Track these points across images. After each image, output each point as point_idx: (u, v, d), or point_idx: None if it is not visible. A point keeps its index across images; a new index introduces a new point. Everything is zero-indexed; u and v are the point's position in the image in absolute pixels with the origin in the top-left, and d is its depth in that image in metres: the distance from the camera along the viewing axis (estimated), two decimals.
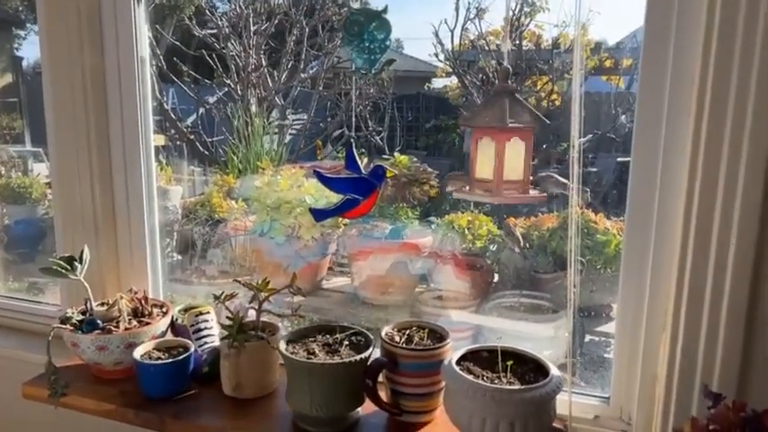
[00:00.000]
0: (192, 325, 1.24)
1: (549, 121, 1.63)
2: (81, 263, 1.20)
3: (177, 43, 3.51)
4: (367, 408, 1.07)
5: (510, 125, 1.46)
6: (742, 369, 0.92)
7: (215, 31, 3.31)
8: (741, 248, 0.89)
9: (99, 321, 1.19)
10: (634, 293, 1.06)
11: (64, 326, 1.18)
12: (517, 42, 3.39)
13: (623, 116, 3.03)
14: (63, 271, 1.18)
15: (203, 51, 3.37)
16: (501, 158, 1.51)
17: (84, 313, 1.23)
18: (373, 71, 1.07)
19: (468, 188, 1.65)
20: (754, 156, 0.86)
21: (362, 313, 1.90)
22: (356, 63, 1.08)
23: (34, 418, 1.49)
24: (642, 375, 1.06)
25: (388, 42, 1.06)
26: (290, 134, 3.37)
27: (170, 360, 1.14)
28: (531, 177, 1.58)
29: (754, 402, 0.76)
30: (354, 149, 1.10)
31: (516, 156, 1.53)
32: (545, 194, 1.66)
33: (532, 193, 1.60)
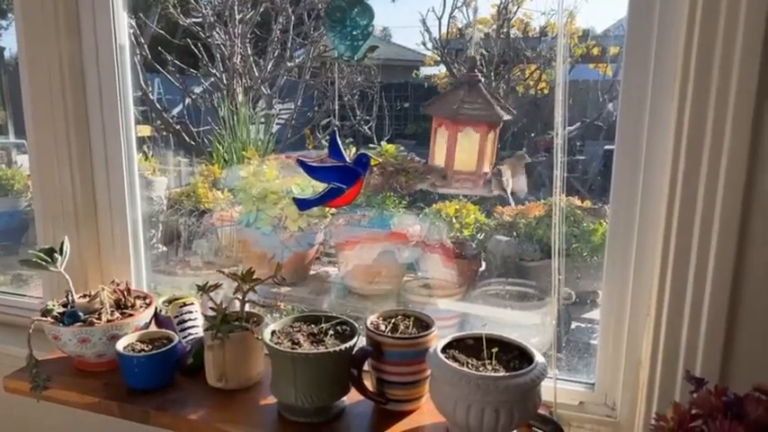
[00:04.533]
0: (176, 316, 1.23)
1: (511, 116, 1.60)
2: (61, 254, 1.18)
3: (162, 32, 3.46)
4: (352, 397, 1.07)
5: (460, 116, 1.44)
6: (724, 354, 0.93)
7: (200, 19, 3.26)
8: (724, 235, 0.89)
9: (81, 313, 1.18)
10: (618, 280, 1.07)
11: (44, 318, 1.16)
12: (505, 30, 3.37)
13: (610, 104, 3.03)
14: (43, 263, 1.16)
15: (188, 41, 3.32)
16: (452, 148, 1.50)
17: (65, 305, 1.21)
18: (356, 58, 1.06)
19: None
20: (736, 140, 0.87)
21: (350, 303, 1.89)
22: (339, 50, 1.07)
23: (16, 412, 1.47)
24: (626, 361, 1.07)
25: (370, 28, 1.05)
26: (277, 124, 3.34)
27: (153, 352, 1.13)
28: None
29: (735, 387, 0.76)
30: (338, 137, 1.09)
31: (470, 147, 1.52)
32: (494, 191, 1.63)
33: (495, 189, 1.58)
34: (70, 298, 1.21)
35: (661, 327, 0.97)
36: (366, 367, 1.07)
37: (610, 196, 1.07)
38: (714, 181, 0.89)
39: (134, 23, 2.89)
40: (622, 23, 1.05)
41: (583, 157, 3.18)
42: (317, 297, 1.96)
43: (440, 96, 1.67)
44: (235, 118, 2.63)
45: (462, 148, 1.45)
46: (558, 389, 1.09)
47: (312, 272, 2.09)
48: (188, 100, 3.58)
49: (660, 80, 0.96)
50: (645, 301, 1.03)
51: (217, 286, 1.19)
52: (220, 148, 2.56)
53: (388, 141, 2.18)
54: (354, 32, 1.04)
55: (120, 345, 1.14)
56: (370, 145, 2.32)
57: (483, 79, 1.44)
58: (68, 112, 1.36)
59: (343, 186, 1.08)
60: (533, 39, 3.45)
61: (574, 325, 1.80)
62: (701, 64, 0.87)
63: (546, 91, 3.45)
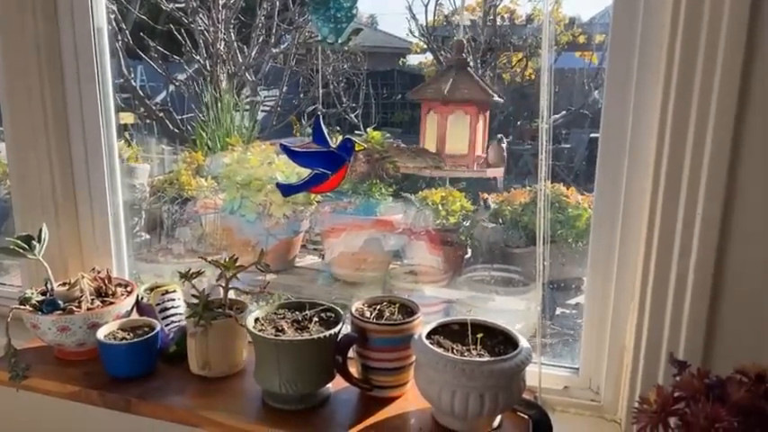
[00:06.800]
0: (158, 304, 1.21)
1: (502, 99, 1.62)
2: (39, 242, 1.16)
3: (144, 17, 3.40)
4: (337, 383, 1.06)
5: (451, 99, 1.46)
6: (707, 338, 0.94)
7: (183, 4, 3.20)
8: (707, 220, 0.90)
9: (60, 302, 1.16)
10: (603, 265, 1.07)
11: (23, 307, 1.14)
12: (491, 18, 3.36)
13: (596, 92, 3.03)
14: (20, 250, 1.14)
15: (171, 26, 3.26)
16: (443, 131, 1.51)
17: (44, 294, 1.19)
18: (340, 41, 1.04)
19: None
20: (720, 126, 0.86)
21: (336, 290, 1.88)
22: (322, 32, 1.05)
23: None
24: (610, 346, 1.08)
25: (354, 10, 1.03)
26: (262, 111, 3.31)
27: (135, 340, 1.11)
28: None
29: (718, 369, 0.77)
30: (322, 122, 1.07)
31: (461, 130, 1.53)
32: (498, 171, 1.64)
33: (489, 170, 1.60)
34: (49, 286, 1.19)
35: (645, 311, 0.97)
36: (351, 354, 1.06)
37: (594, 183, 1.07)
38: (698, 167, 0.89)
39: (115, 8, 2.83)
40: (608, 11, 1.04)
41: (568, 145, 3.19)
42: (302, 284, 1.95)
43: (427, 82, 1.67)
44: (219, 105, 2.59)
45: (454, 132, 1.46)
46: (542, 374, 1.09)
47: (298, 260, 2.08)
48: (171, 87, 3.53)
49: (645, 67, 0.96)
50: (629, 286, 1.03)
51: (199, 273, 1.17)
52: (204, 135, 2.52)
53: (375, 129, 2.17)
54: (338, 14, 1.02)
55: (101, 333, 1.12)
56: (357, 132, 2.30)
57: (471, 63, 1.45)
58: (46, 98, 1.32)
59: (328, 172, 1.07)
60: (520, 26, 3.44)
61: (559, 311, 1.81)
62: (686, 51, 0.87)
63: (533, 77, 3.44)
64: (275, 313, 1.11)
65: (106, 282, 1.23)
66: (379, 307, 1.11)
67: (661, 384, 0.79)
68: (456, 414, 0.92)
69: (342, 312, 1.10)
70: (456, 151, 1.49)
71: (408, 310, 1.10)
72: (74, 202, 1.40)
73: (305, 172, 1.09)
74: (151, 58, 3.29)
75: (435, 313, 1.62)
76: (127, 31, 3.18)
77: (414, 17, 3.52)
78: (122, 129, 2.71)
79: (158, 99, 3.59)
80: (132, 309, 1.24)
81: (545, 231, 1.08)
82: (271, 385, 1.02)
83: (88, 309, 1.16)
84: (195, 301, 1.10)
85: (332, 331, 1.02)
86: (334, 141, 1.06)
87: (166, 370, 1.15)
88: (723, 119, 0.86)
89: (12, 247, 1.14)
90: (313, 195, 1.89)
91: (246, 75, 3.22)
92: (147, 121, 3.36)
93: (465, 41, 1.53)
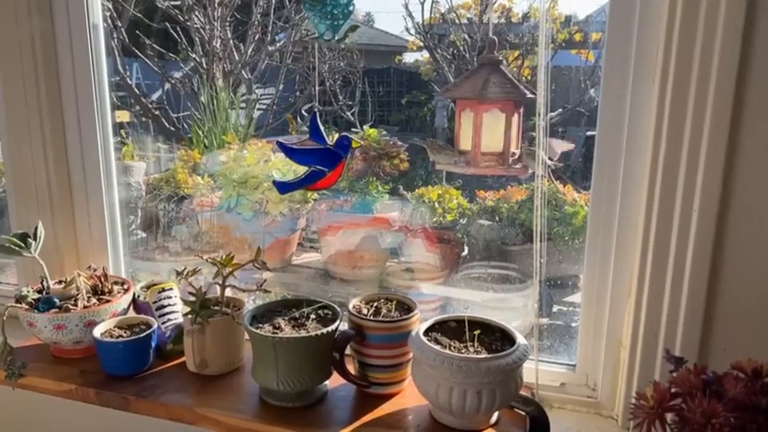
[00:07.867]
0: (155, 302, 1.21)
1: (533, 94, 1.61)
2: (35, 240, 1.16)
3: (140, 15, 3.39)
4: (335, 381, 1.06)
5: (488, 96, 1.46)
6: (703, 334, 0.94)
7: (178, 2, 3.19)
8: (703, 216, 0.90)
9: (56, 300, 1.15)
10: (600, 262, 1.07)
11: (19, 305, 1.14)
12: (487, 16, 3.36)
13: (592, 90, 3.03)
14: (16, 248, 1.14)
15: (167, 24, 3.25)
16: (478, 129, 1.51)
17: (40, 292, 1.19)
18: (336, 38, 1.04)
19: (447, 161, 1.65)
20: (716, 124, 0.87)
21: (333, 288, 1.89)
22: (318, 29, 1.05)
23: None
24: (607, 342, 1.08)
25: (351, 7, 1.03)
26: (258, 109, 3.30)
27: (132, 338, 1.11)
28: (518, 151, 1.58)
29: (714, 365, 0.77)
30: (318, 119, 1.07)
31: (495, 127, 1.53)
32: (525, 168, 1.64)
33: (516, 166, 1.60)
34: (45, 284, 1.19)
35: (641, 308, 0.98)
36: (348, 351, 1.06)
37: (591, 181, 1.07)
38: (695, 163, 0.89)
39: (111, 6, 2.82)
40: (605, 9, 1.04)
41: None
42: (299, 282, 1.95)
43: (460, 80, 1.68)
44: (215, 103, 2.59)
45: (488, 129, 1.46)
46: (539, 370, 1.09)
47: (295, 258, 2.08)
48: (167, 85, 3.52)
49: (641, 64, 0.96)
50: (626, 283, 1.03)
51: (196, 271, 1.17)
52: (200, 133, 2.52)
53: (371, 127, 2.17)
54: (335, 11, 1.02)
55: (98, 331, 1.12)
56: (353, 129, 2.30)
57: (503, 60, 1.46)
58: (41, 96, 1.32)
59: (325, 169, 1.07)
60: (516, 24, 3.44)
61: (556, 308, 1.82)
62: (683, 50, 0.87)
63: (529, 76, 3.44)
64: (272, 311, 1.10)
65: (102, 280, 1.23)
66: (376, 304, 1.11)
67: (658, 380, 0.79)
68: (453, 411, 0.92)
69: (339, 310, 1.10)
70: (491, 149, 1.49)
71: (405, 307, 1.10)
72: (70, 200, 1.40)
73: (301, 170, 1.08)
74: (147, 56, 3.28)
75: (433, 310, 1.62)
76: (122, 29, 3.16)
77: (410, 15, 3.52)
78: (118, 127, 2.70)
79: (154, 97, 3.58)
80: (129, 307, 1.24)
81: (542, 229, 1.08)
82: (268, 382, 1.02)
83: (84, 307, 1.16)
84: (192, 298, 1.10)
85: (329, 328, 1.02)
86: (331, 139, 1.06)
87: (163, 368, 1.15)
88: (720, 113, 0.86)
89: (7, 245, 1.14)
90: (310, 193, 1.89)
91: (242, 72, 3.22)
92: (143, 119, 3.35)
93: (496, 39, 1.53)
